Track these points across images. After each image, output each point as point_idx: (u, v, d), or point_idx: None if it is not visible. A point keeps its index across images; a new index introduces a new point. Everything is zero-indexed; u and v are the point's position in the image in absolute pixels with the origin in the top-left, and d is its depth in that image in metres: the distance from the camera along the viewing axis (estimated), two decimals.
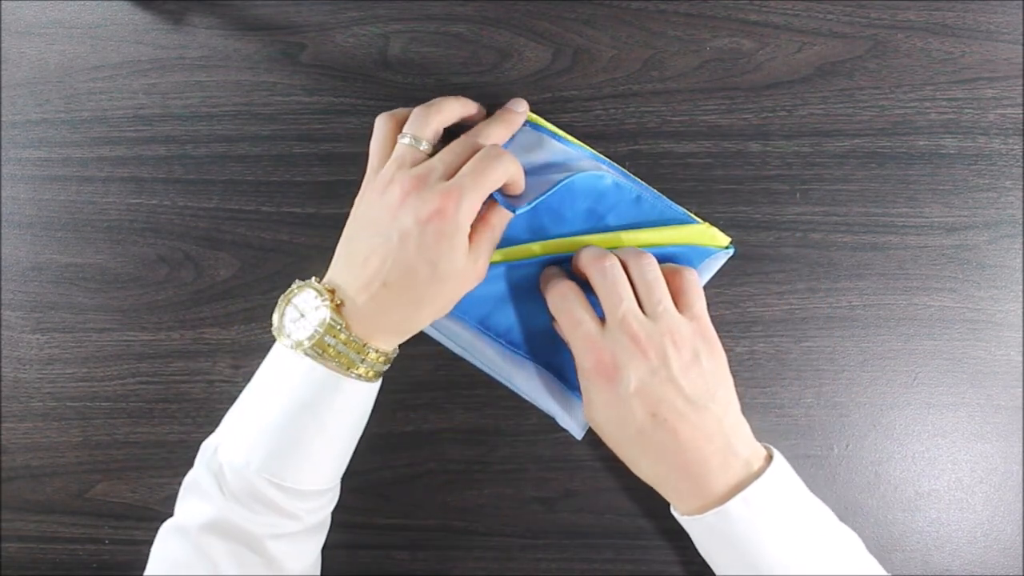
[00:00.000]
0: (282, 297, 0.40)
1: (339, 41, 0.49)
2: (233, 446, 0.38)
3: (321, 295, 0.38)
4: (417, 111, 0.42)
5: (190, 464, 0.43)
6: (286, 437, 0.37)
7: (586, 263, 0.41)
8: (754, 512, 0.37)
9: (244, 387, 0.47)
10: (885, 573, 0.39)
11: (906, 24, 0.47)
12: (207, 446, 0.40)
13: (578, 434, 0.45)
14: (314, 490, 0.39)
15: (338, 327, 0.37)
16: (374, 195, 0.39)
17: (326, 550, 0.44)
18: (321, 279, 0.40)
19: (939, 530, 0.46)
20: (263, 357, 0.41)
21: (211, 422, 0.47)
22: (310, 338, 0.37)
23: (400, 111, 0.43)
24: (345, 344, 0.38)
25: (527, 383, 0.45)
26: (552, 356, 0.45)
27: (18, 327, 0.49)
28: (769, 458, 0.39)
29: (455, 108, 0.43)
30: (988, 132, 0.47)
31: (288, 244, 0.48)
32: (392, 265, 0.37)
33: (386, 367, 0.41)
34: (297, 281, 0.40)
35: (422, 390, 0.47)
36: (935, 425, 0.46)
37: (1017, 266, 0.46)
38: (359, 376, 0.38)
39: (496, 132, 0.42)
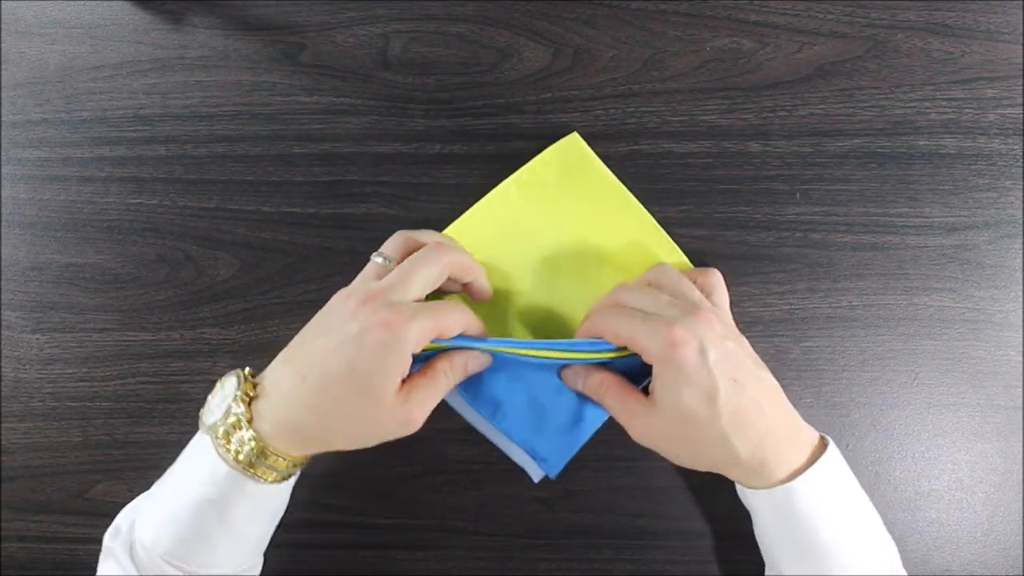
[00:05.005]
0: (220, 378, 0.39)
1: (339, 41, 0.49)
2: (145, 525, 0.38)
3: (239, 384, 0.37)
4: (398, 236, 0.41)
5: None
6: (191, 528, 0.37)
7: (603, 330, 0.39)
8: (814, 491, 0.38)
9: None
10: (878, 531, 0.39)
11: (906, 24, 0.47)
12: (133, 507, 0.41)
13: (536, 477, 0.46)
14: (224, 574, 0.39)
15: (238, 420, 0.36)
16: (336, 300, 0.39)
17: (327, 550, 0.44)
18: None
19: (939, 530, 0.46)
20: (263, 357, 0.41)
21: None
22: (212, 427, 0.37)
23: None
24: (245, 442, 0.36)
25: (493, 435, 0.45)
26: (523, 422, 0.44)
27: (18, 327, 0.49)
28: (823, 444, 0.40)
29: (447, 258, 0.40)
30: (988, 132, 0.47)
31: (288, 244, 0.48)
32: (320, 360, 0.36)
33: (294, 471, 0.39)
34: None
35: None
36: (935, 425, 0.46)
37: (1017, 266, 0.46)
38: (260, 478, 0.37)
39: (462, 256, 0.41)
